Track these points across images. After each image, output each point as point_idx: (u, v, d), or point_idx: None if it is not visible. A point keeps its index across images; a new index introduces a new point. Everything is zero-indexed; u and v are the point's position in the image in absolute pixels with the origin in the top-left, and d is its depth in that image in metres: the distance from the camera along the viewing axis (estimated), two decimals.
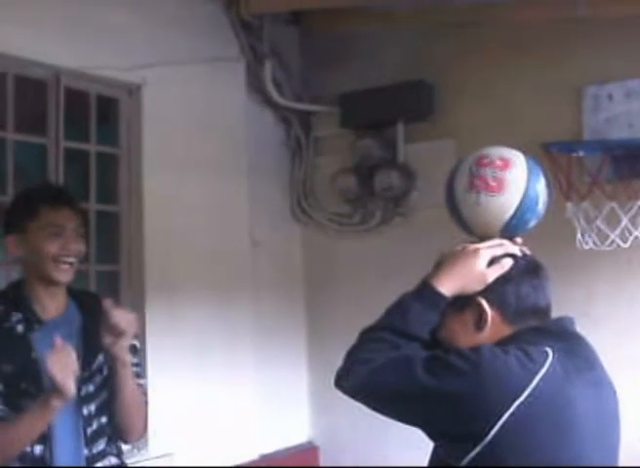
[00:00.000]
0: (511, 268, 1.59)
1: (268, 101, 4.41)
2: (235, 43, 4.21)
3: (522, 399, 1.43)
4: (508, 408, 1.42)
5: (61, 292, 2.24)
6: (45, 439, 2.11)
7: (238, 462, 4.01)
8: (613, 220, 3.46)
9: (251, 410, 4.11)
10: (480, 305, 1.57)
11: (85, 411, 2.18)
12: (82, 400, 2.17)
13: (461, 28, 4.04)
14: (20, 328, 2.13)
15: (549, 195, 1.68)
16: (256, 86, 4.34)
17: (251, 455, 4.13)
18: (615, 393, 1.63)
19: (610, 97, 3.73)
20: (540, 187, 1.65)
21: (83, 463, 2.16)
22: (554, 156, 3.56)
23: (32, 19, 3.22)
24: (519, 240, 1.68)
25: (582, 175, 3.63)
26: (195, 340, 3.82)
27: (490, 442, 1.43)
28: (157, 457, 3.55)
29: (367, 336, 1.61)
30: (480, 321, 1.57)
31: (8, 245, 2.18)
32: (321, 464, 4.53)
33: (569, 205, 3.52)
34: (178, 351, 3.70)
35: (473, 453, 1.44)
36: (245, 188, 4.19)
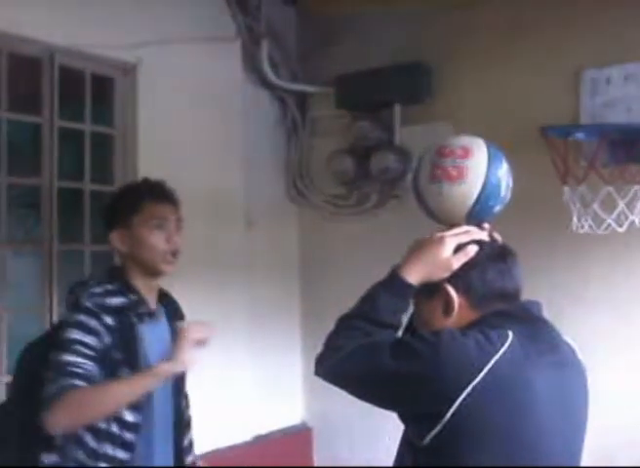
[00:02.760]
0: (477, 254, 1.62)
1: (264, 82, 4.38)
2: (232, 22, 4.18)
3: (479, 379, 1.46)
4: (465, 388, 1.45)
5: (157, 287, 2.32)
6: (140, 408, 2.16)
7: (232, 443, 4.02)
8: (609, 205, 3.46)
9: (245, 392, 4.11)
10: (447, 291, 1.60)
11: (183, 402, 2.34)
12: (179, 391, 2.31)
13: (460, 10, 4.01)
14: (134, 319, 2.18)
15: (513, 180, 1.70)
16: (252, 66, 4.31)
17: (245, 437, 4.15)
18: (582, 373, 1.65)
19: (608, 80, 3.70)
20: (502, 173, 1.67)
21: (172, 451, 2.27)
22: (551, 140, 3.55)
23: None
24: (486, 226, 1.70)
25: (579, 158, 3.61)
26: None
27: (448, 422, 1.46)
28: None
29: (341, 324, 1.67)
30: (447, 307, 1.61)
31: (112, 241, 2.24)
32: (315, 446, 4.55)
33: (565, 189, 3.51)
34: None
35: (433, 433, 1.48)
36: (240, 168, 4.17)
